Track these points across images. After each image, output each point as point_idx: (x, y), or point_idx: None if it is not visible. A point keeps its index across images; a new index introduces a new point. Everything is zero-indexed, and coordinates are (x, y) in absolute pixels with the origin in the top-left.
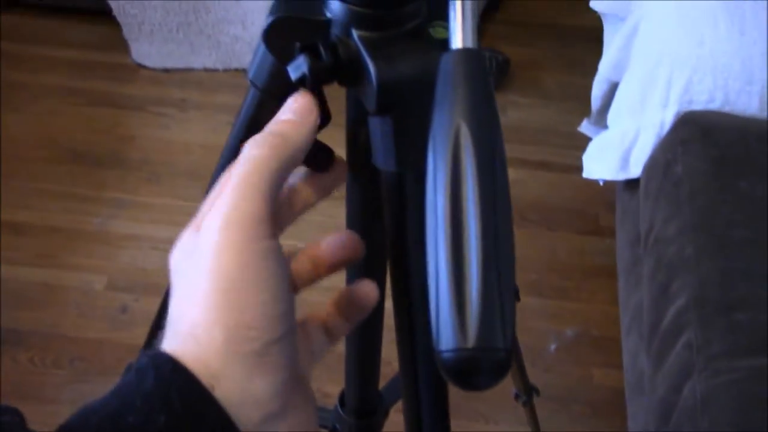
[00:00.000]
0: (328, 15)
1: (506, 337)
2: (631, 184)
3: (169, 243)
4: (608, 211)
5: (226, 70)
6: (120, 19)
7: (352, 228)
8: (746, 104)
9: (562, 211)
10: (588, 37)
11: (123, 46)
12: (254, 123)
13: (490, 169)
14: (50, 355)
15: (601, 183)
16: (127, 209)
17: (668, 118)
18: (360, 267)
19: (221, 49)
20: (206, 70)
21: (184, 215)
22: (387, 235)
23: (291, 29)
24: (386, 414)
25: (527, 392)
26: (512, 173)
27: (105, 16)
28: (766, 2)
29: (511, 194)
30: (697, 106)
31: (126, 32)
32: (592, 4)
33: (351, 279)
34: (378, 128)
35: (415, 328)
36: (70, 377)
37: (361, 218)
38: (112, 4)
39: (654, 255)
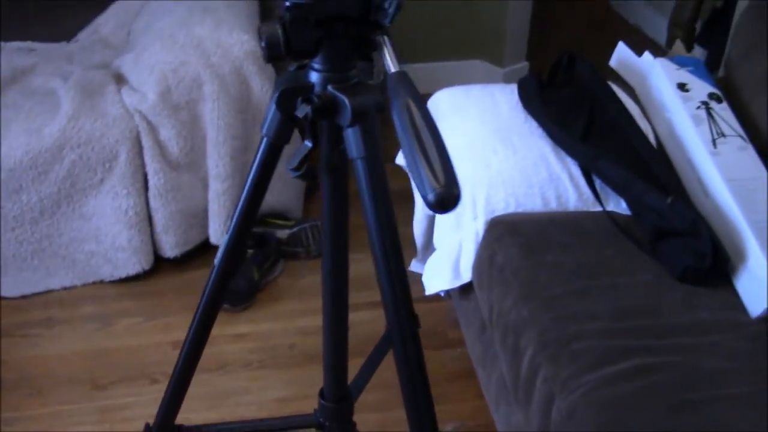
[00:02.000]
0: (312, 81)
1: (456, 180)
2: (465, 290)
3: None
4: (453, 326)
5: (84, 285)
6: None
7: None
8: (532, 203)
9: None
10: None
11: None
12: (267, 166)
13: (425, 111)
14: None
15: (443, 295)
16: (15, 425)
17: (480, 227)
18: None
19: (77, 266)
20: (65, 288)
21: (73, 417)
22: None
23: (291, 94)
24: (356, 398)
25: None
26: (365, 315)
27: None
28: (527, 127)
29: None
30: (499, 212)
31: None
32: (399, 161)
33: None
34: (351, 135)
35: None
36: None
37: (332, 205)
38: None
39: (500, 327)
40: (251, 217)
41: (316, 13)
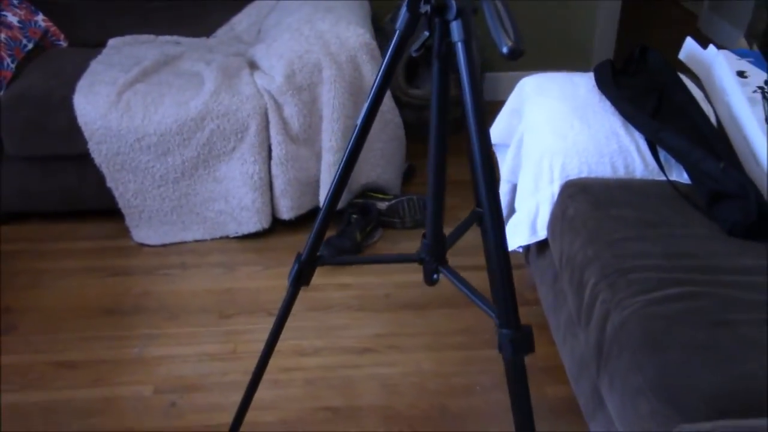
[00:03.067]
0: None
1: (520, 38)
2: (540, 248)
3: (196, 357)
4: (530, 290)
5: (213, 239)
6: (124, 210)
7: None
8: (603, 171)
9: None
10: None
11: (124, 233)
12: (397, 52)
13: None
14: None
15: (520, 250)
16: (157, 339)
17: (556, 190)
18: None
19: (207, 222)
20: (196, 241)
21: (203, 337)
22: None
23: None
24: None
25: None
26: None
27: (105, 214)
28: (601, 106)
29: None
30: (573, 177)
31: (128, 221)
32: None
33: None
34: (455, 26)
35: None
36: None
37: (439, 83)
38: (119, 200)
39: (568, 268)
40: (376, 110)
41: None
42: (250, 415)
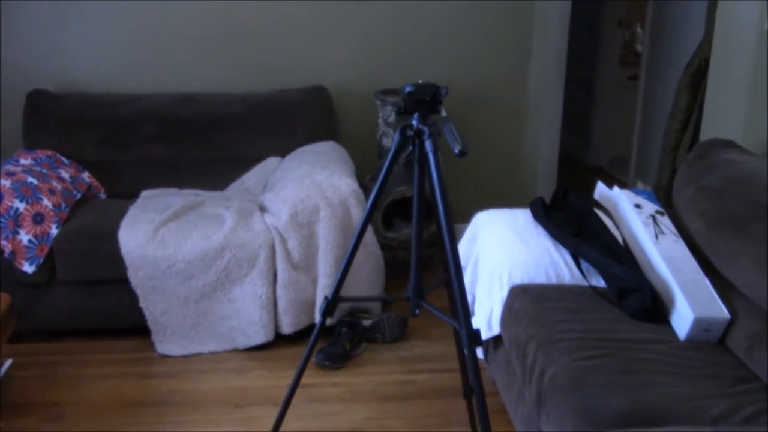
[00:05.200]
0: (413, 122)
1: (466, 144)
2: (495, 344)
3: None
4: (488, 385)
5: (225, 351)
6: (152, 327)
7: (416, 183)
8: (539, 278)
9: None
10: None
11: (149, 347)
12: (393, 161)
13: (452, 123)
14: None
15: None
16: (184, 424)
17: (505, 294)
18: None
19: (221, 337)
20: (211, 353)
21: (223, 422)
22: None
23: (405, 127)
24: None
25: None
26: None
27: (132, 333)
28: (536, 231)
29: None
30: (517, 283)
31: (154, 336)
32: None
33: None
34: (427, 143)
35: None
36: None
37: (419, 177)
38: (148, 318)
39: (515, 346)
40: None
41: (415, 96)
42: None
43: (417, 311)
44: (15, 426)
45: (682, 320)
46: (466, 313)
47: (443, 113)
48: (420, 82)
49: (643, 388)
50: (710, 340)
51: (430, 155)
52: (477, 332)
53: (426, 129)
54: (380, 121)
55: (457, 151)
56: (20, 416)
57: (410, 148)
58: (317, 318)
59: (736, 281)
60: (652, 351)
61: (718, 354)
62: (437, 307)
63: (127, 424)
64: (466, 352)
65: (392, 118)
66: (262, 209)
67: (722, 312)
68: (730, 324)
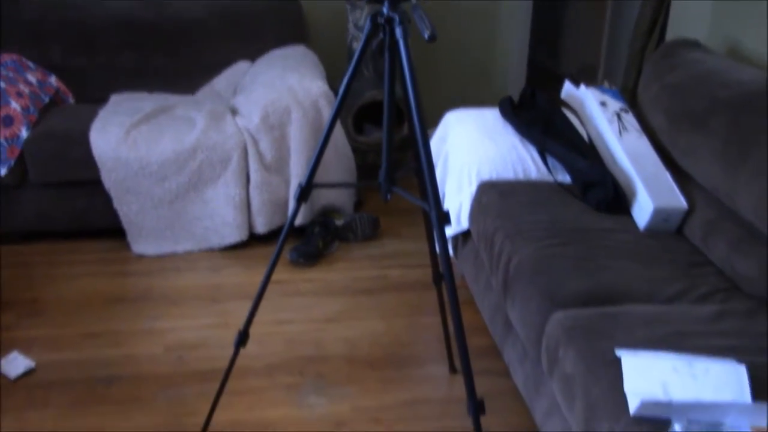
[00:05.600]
0: (383, 9)
1: (435, 29)
2: (464, 238)
3: (196, 328)
4: (458, 280)
5: (200, 251)
6: (127, 227)
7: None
8: (507, 174)
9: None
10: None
11: (125, 248)
12: (365, 45)
13: (421, 8)
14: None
15: (451, 237)
16: (162, 318)
17: (473, 189)
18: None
19: (196, 237)
20: (186, 252)
21: (200, 316)
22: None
23: (375, 14)
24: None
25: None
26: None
27: (107, 235)
28: (504, 129)
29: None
30: (485, 179)
31: (130, 236)
32: None
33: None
34: (398, 29)
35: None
36: None
37: (389, 75)
38: (123, 219)
39: (483, 238)
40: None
41: None
42: (242, 363)
43: (389, 196)
44: None
45: (643, 211)
46: (436, 195)
47: (413, 0)
48: None
49: (603, 272)
50: (669, 230)
51: (401, 42)
52: (446, 213)
53: (396, 16)
54: (350, 25)
55: (427, 35)
56: None
57: (381, 35)
58: (291, 204)
59: (695, 173)
60: (613, 239)
61: (676, 242)
62: (408, 192)
63: (105, 319)
64: (435, 233)
65: (362, 21)
66: (234, 112)
67: (680, 202)
68: (688, 214)
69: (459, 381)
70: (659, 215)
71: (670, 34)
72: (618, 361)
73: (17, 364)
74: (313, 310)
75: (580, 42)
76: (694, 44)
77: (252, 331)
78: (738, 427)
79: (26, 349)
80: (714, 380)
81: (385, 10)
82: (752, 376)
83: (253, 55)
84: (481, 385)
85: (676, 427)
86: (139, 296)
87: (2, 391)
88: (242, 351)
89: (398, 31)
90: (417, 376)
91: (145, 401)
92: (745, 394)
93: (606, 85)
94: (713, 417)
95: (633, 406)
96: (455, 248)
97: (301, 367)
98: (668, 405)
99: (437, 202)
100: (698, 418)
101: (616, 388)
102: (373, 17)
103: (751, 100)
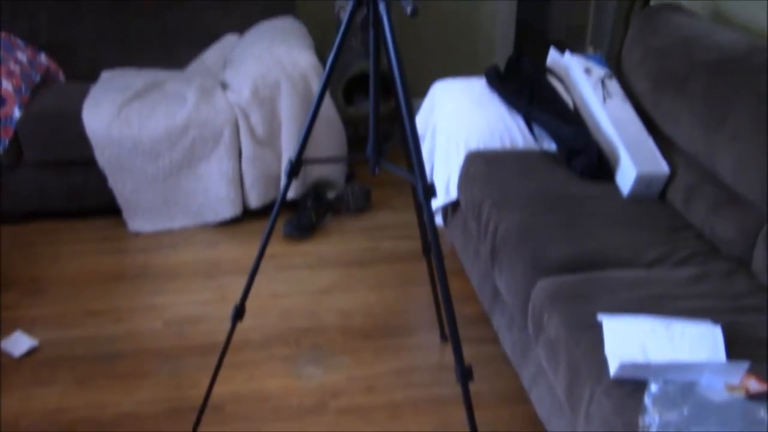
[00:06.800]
0: None
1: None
2: (454, 209)
3: (194, 303)
4: (450, 253)
5: (195, 226)
6: (122, 205)
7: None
8: (494, 144)
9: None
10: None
11: (121, 225)
12: (348, 24)
13: None
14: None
15: (441, 223)
16: (161, 294)
17: (461, 159)
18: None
19: (191, 213)
20: (182, 228)
21: (198, 291)
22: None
23: None
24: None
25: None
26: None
27: (103, 213)
28: (491, 99)
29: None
30: (473, 149)
31: (125, 214)
32: None
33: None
34: (381, 5)
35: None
36: None
37: (374, 51)
38: (118, 197)
39: (471, 207)
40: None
41: None
42: (239, 336)
43: (377, 169)
44: None
45: (626, 177)
46: (421, 168)
47: None
48: None
49: (587, 238)
50: (651, 196)
51: (384, 17)
52: (432, 185)
53: None
54: None
55: (408, 10)
56: (0, 290)
57: (365, 11)
58: (282, 180)
59: (677, 138)
60: (596, 206)
61: (658, 207)
62: (395, 164)
63: (105, 296)
64: (424, 208)
65: None
66: (224, 86)
67: (662, 168)
68: (670, 179)
69: (449, 349)
70: (642, 181)
71: None
72: (599, 326)
73: (21, 342)
74: (307, 282)
75: (569, 5)
76: (677, 8)
77: (248, 304)
78: (712, 386)
79: (29, 328)
80: (690, 341)
81: None
82: (727, 336)
83: (239, 26)
84: (471, 352)
85: (652, 387)
86: (137, 273)
87: (7, 369)
88: (240, 324)
89: (381, 6)
90: (409, 345)
91: (147, 375)
92: (720, 354)
93: (591, 50)
94: (689, 376)
95: (613, 368)
96: (445, 218)
97: (297, 338)
98: (646, 366)
99: (422, 175)
100: (674, 378)
101: (598, 351)
102: None
103: (729, 63)
